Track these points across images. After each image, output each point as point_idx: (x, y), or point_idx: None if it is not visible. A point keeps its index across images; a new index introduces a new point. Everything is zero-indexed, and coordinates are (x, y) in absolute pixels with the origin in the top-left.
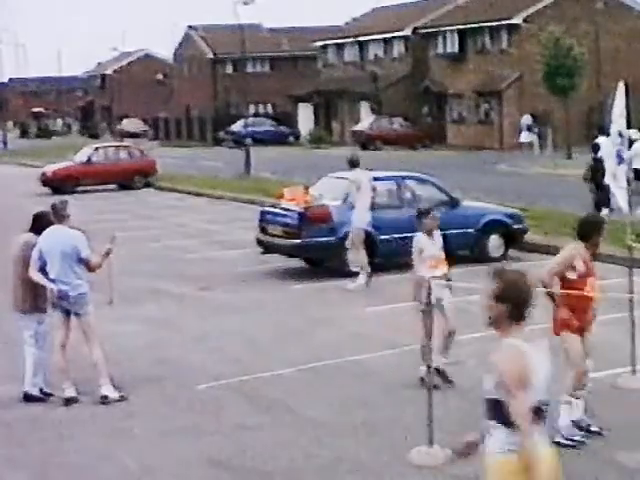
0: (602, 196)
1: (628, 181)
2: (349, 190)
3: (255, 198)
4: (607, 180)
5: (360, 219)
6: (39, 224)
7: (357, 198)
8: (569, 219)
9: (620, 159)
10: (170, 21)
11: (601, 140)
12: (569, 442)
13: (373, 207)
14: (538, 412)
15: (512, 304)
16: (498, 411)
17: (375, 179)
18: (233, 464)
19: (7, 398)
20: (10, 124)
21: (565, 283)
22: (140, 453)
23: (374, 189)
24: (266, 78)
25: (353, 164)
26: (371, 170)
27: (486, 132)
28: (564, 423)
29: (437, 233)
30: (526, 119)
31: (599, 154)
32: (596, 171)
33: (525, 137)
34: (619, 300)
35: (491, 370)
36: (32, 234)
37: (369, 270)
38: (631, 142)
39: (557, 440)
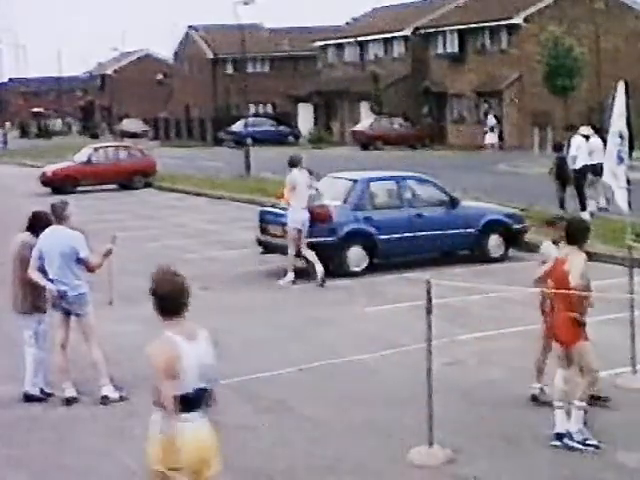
0: (562, 195)
1: (628, 181)
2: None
3: (255, 198)
4: (607, 180)
5: (294, 219)
6: (36, 223)
7: (292, 198)
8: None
9: (620, 159)
10: (170, 21)
11: (575, 139)
12: (582, 446)
13: (374, 207)
14: (192, 398)
15: (157, 299)
16: (156, 396)
17: (375, 179)
18: (233, 464)
19: (7, 398)
20: (8, 125)
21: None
22: (140, 453)
23: (316, 189)
24: (266, 78)
25: (292, 164)
26: (311, 172)
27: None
28: (576, 428)
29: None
30: (490, 120)
31: (564, 153)
32: (560, 170)
33: (489, 138)
34: (619, 300)
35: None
36: (29, 234)
37: (292, 272)
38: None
39: (566, 443)
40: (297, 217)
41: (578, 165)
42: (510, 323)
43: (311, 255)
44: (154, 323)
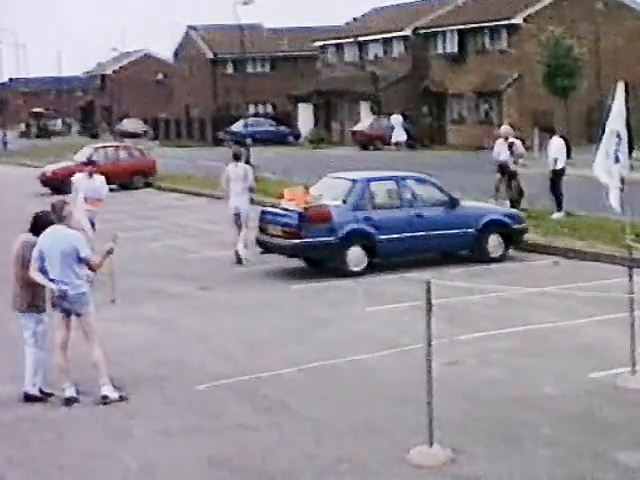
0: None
1: (622, 181)
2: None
3: (255, 198)
4: (604, 180)
5: (229, 206)
6: (39, 224)
7: (229, 188)
8: (568, 219)
9: (616, 159)
10: (170, 21)
11: (554, 141)
12: None
13: (374, 207)
14: None
15: None
16: None
17: (375, 179)
18: (233, 464)
19: (7, 398)
20: (23, 125)
21: None
22: (140, 453)
23: (247, 180)
24: (266, 78)
25: (235, 157)
26: (253, 166)
27: (486, 132)
28: None
29: None
30: (395, 119)
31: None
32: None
33: (397, 136)
34: (619, 300)
35: None
36: (31, 234)
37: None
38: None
39: None
40: (231, 204)
41: (559, 166)
42: (510, 323)
43: (242, 237)
44: (154, 323)
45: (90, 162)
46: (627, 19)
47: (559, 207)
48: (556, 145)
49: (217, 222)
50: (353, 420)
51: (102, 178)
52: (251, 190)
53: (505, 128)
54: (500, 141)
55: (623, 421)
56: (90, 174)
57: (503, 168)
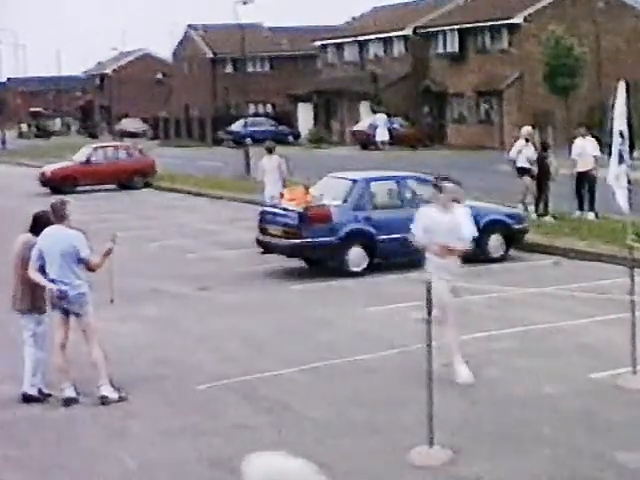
0: None
1: (629, 181)
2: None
3: (255, 198)
4: (609, 180)
5: (265, 195)
6: (39, 225)
7: (265, 179)
8: (569, 219)
9: (621, 159)
10: (170, 21)
11: (578, 142)
12: None
13: (374, 207)
14: None
15: None
16: None
17: (375, 179)
18: (233, 464)
19: (7, 398)
20: (25, 125)
21: None
22: (140, 453)
23: (280, 170)
24: (266, 78)
25: (269, 151)
26: (286, 158)
27: (486, 132)
28: None
29: None
30: (379, 118)
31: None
32: None
33: (380, 135)
34: (619, 300)
35: None
36: (31, 234)
37: None
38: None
39: None
40: (267, 193)
41: (588, 167)
42: (510, 323)
43: None
44: (154, 323)
45: (443, 178)
46: (628, 18)
47: (581, 207)
48: (591, 145)
49: (217, 222)
50: (353, 420)
51: (466, 210)
52: (283, 180)
53: (526, 129)
54: (521, 142)
55: (623, 421)
56: (447, 202)
57: (526, 171)
